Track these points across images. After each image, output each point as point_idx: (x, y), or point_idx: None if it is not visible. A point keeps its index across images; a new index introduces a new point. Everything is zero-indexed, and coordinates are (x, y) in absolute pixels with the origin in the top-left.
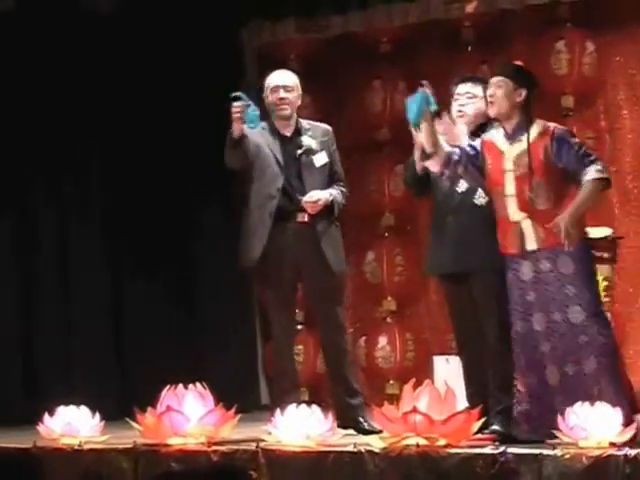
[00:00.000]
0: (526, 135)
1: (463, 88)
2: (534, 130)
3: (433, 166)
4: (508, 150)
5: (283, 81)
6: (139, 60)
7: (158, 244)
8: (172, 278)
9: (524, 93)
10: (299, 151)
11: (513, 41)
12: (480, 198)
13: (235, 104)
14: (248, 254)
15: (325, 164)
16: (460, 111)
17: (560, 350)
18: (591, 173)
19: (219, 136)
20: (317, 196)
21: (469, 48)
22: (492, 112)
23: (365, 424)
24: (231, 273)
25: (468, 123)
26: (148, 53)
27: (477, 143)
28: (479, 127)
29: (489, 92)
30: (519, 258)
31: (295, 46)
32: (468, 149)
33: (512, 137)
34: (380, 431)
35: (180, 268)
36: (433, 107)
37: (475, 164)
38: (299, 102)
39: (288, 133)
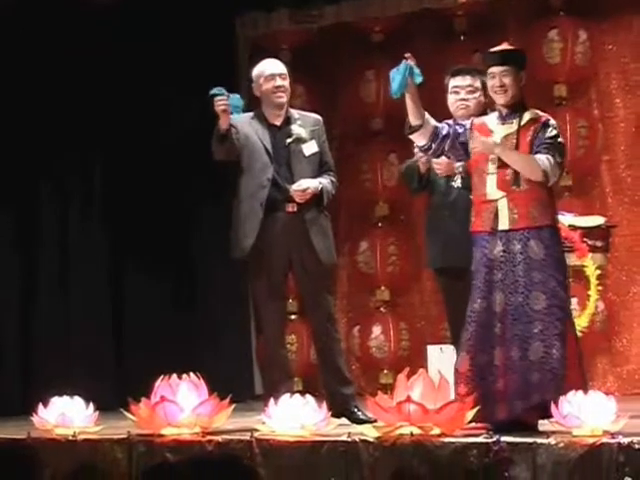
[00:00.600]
0: (518, 118)
1: (463, 81)
2: (527, 115)
3: (419, 139)
4: (497, 130)
5: (278, 69)
6: (133, 52)
7: (155, 237)
8: (168, 270)
9: (524, 76)
10: (288, 140)
11: (506, 30)
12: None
13: (217, 98)
14: (240, 245)
15: (315, 153)
16: (463, 105)
17: (510, 333)
18: (542, 157)
19: (211, 129)
20: (306, 184)
21: (462, 37)
22: (504, 100)
23: (359, 413)
24: (226, 264)
25: (469, 115)
26: (142, 44)
27: (467, 122)
28: (479, 114)
29: (495, 82)
30: (490, 236)
31: (288, 36)
32: (456, 126)
33: (505, 118)
34: (374, 420)
35: (177, 260)
36: (418, 79)
37: (462, 142)
38: (289, 90)
39: (278, 122)
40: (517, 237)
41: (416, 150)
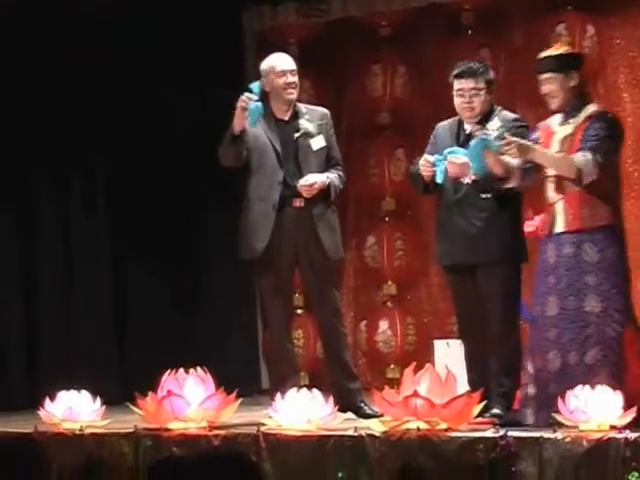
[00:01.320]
0: (576, 119)
1: (467, 84)
2: (584, 113)
3: (513, 184)
4: (558, 131)
5: (290, 65)
6: (138, 47)
7: (161, 231)
8: (174, 264)
9: (576, 76)
10: (296, 134)
11: (513, 25)
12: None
13: (245, 95)
14: (251, 247)
15: (322, 148)
16: (468, 108)
17: (566, 338)
18: (579, 155)
19: (219, 124)
20: (313, 179)
21: (469, 32)
22: (555, 106)
23: (365, 408)
24: (233, 261)
25: (475, 116)
26: (147, 40)
27: (537, 136)
28: (485, 117)
29: (543, 89)
30: (547, 240)
31: (295, 30)
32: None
33: (565, 119)
34: (380, 415)
35: (183, 254)
36: (496, 146)
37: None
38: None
39: (286, 117)
40: (570, 240)
41: (419, 161)
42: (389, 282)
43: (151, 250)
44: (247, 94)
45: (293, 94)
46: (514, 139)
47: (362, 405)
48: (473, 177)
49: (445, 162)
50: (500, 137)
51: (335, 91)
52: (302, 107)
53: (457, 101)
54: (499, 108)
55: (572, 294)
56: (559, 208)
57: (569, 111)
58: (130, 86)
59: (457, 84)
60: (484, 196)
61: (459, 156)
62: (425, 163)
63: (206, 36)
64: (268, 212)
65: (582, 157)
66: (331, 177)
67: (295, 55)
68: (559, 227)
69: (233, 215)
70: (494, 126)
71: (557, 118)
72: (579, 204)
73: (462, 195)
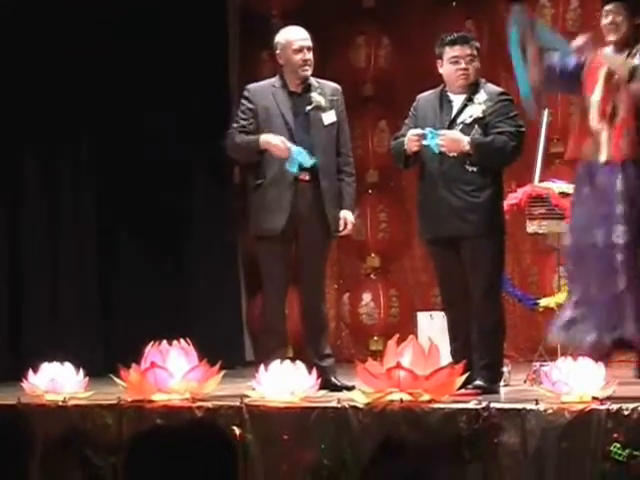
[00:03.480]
0: (628, 51)
1: (462, 51)
2: (635, 50)
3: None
4: (609, 59)
5: (307, 42)
6: (121, 22)
7: (147, 203)
8: (160, 236)
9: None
10: (308, 107)
11: None
12: (471, 164)
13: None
14: (268, 225)
15: (333, 123)
16: (464, 75)
17: (603, 267)
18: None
19: (202, 94)
20: (348, 228)
21: (453, 3)
22: (615, 37)
23: (336, 382)
24: (216, 230)
25: (469, 84)
26: (130, 11)
27: (581, 57)
28: (473, 89)
29: (607, 20)
30: (590, 168)
31: (278, 2)
32: (567, 60)
33: (618, 51)
34: (352, 387)
35: (168, 226)
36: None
37: (572, 73)
38: None
39: (299, 90)
40: (609, 170)
41: (405, 131)
42: (372, 254)
43: (136, 222)
44: (290, 145)
45: (308, 71)
46: (609, 54)
47: (332, 379)
48: (467, 149)
49: (437, 137)
50: None
51: (318, 63)
52: (314, 80)
53: (451, 69)
54: (483, 80)
55: (605, 224)
56: (604, 137)
57: (620, 47)
58: (113, 61)
59: (452, 52)
60: (470, 169)
61: (452, 131)
62: (413, 137)
63: (189, 7)
64: (284, 191)
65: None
66: (350, 202)
67: (279, 26)
68: (602, 156)
69: (221, 187)
70: (480, 99)
71: (607, 51)
72: (618, 136)
73: (447, 168)
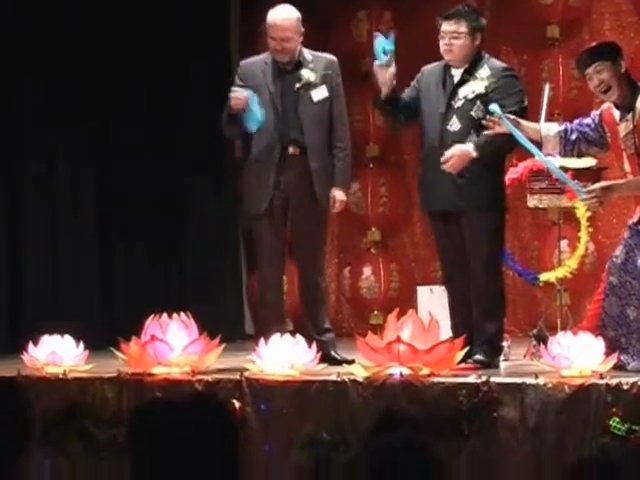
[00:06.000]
0: (631, 114)
1: (448, 26)
2: (638, 104)
3: (552, 151)
4: (620, 128)
5: (282, 33)
6: (119, 13)
7: (146, 181)
8: (158, 211)
9: (622, 62)
10: (297, 85)
11: None
12: (473, 137)
13: (236, 94)
14: (252, 206)
15: (325, 99)
16: (446, 50)
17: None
18: None
19: (203, 81)
20: (337, 206)
21: None
22: (614, 98)
23: (336, 355)
24: (215, 205)
25: (456, 60)
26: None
27: (595, 114)
28: (472, 64)
29: (594, 83)
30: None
31: None
32: (585, 127)
33: (622, 110)
34: (351, 360)
35: (167, 201)
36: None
37: (592, 139)
38: (300, 39)
39: (289, 66)
40: None
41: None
42: (373, 228)
43: (137, 199)
44: (247, 93)
45: (283, 58)
46: (594, 187)
47: (332, 353)
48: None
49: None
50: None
51: (320, 37)
52: (308, 55)
53: (440, 44)
54: (487, 56)
55: None
56: None
57: (625, 104)
58: (110, 46)
59: (441, 27)
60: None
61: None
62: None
63: None
64: (268, 172)
65: None
66: (342, 174)
67: (278, 1)
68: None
69: (221, 163)
70: (483, 74)
71: (617, 113)
72: None
73: (449, 142)
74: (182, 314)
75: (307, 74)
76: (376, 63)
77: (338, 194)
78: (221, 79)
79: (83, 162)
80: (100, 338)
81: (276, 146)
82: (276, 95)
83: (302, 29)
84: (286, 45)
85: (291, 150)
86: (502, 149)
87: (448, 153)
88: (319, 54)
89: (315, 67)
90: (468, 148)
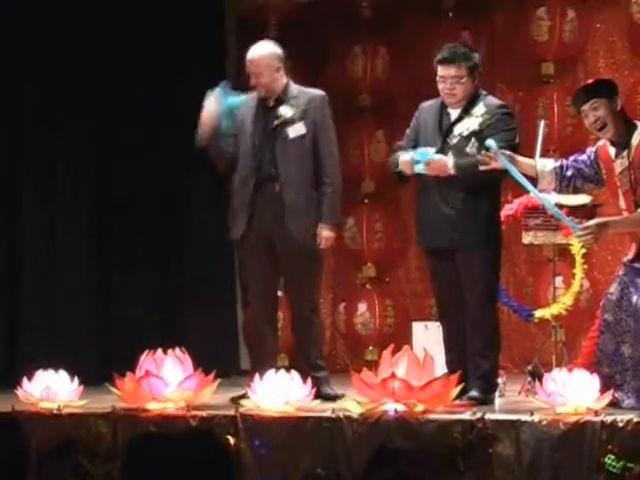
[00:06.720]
0: (627, 151)
1: (447, 71)
2: (635, 139)
3: (547, 187)
4: (615, 165)
5: (255, 69)
6: (119, 22)
7: (141, 209)
8: (154, 244)
9: (618, 100)
10: (275, 122)
11: (494, 8)
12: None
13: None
14: (233, 230)
15: (303, 135)
16: (450, 94)
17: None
18: None
19: (198, 103)
20: (324, 243)
21: (450, 14)
22: (609, 135)
23: (329, 391)
24: (212, 238)
25: (458, 102)
26: (128, 15)
27: (590, 153)
28: (470, 102)
29: (589, 120)
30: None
31: (276, 11)
32: (580, 164)
33: (617, 147)
34: (342, 395)
35: (162, 234)
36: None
37: (589, 175)
38: (277, 75)
39: (271, 102)
40: None
41: (404, 142)
42: (368, 264)
43: (134, 230)
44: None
45: (260, 92)
46: (589, 223)
47: (326, 390)
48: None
49: (423, 164)
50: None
51: (315, 72)
52: (294, 90)
53: (440, 87)
54: (484, 93)
55: None
56: None
57: (620, 141)
58: (108, 64)
59: (439, 70)
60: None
61: (438, 156)
62: (405, 164)
63: (187, 15)
64: (244, 202)
65: None
66: (328, 210)
67: (275, 36)
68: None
69: (217, 190)
70: (478, 112)
71: (612, 149)
72: None
73: (444, 178)
74: (177, 349)
75: (285, 111)
76: (415, 168)
77: (324, 230)
78: (220, 79)
79: (82, 188)
80: (94, 373)
81: (250, 181)
82: (255, 131)
83: (279, 65)
84: (260, 80)
85: (268, 186)
86: (482, 175)
87: (435, 157)
88: (306, 90)
89: (297, 103)
90: (449, 163)
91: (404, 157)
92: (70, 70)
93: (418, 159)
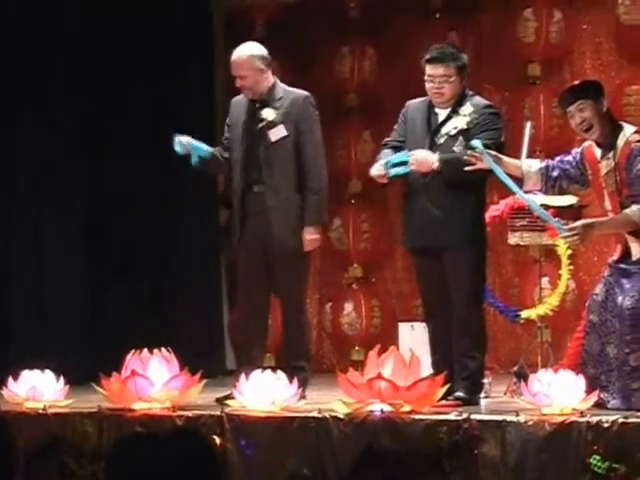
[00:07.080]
0: (613, 152)
1: (436, 70)
2: (620, 141)
3: (533, 187)
4: (601, 166)
5: (238, 71)
6: (107, 20)
7: (130, 212)
8: (141, 246)
9: (604, 101)
10: (260, 125)
11: (481, 8)
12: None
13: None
14: (233, 238)
15: (284, 138)
16: (438, 94)
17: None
18: (634, 209)
19: (188, 103)
20: (308, 245)
21: (437, 15)
22: (595, 136)
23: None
24: (198, 240)
25: (446, 101)
26: (116, 13)
27: (576, 154)
28: (457, 102)
29: (575, 121)
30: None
31: (263, 11)
32: (565, 164)
33: (603, 148)
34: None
35: (149, 235)
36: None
37: (574, 176)
38: (262, 76)
39: (257, 104)
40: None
41: (393, 137)
42: (355, 264)
43: (122, 232)
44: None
45: (247, 94)
46: (575, 224)
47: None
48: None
49: (406, 165)
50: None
51: (303, 72)
52: (280, 91)
53: (427, 86)
54: (471, 93)
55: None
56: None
57: (606, 142)
58: (110, 45)
59: (428, 69)
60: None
61: (420, 151)
62: (376, 175)
63: (175, 14)
64: (237, 206)
65: (637, 211)
66: (311, 212)
67: (262, 36)
68: (636, 254)
69: (205, 197)
70: (466, 111)
71: (598, 151)
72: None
73: (429, 179)
74: (163, 349)
75: (267, 113)
76: (393, 171)
77: (307, 233)
78: (205, 118)
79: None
80: (80, 373)
81: (240, 184)
82: (244, 133)
83: (262, 67)
84: (243, 82)
85: (255, 189)
86: (467, 172)
87: (416, 152)
88: (292, 90)
89: (280, 105)
90: (434, 159)
91: (375, 170)
92: (70, 69)
93: (397, 162)
